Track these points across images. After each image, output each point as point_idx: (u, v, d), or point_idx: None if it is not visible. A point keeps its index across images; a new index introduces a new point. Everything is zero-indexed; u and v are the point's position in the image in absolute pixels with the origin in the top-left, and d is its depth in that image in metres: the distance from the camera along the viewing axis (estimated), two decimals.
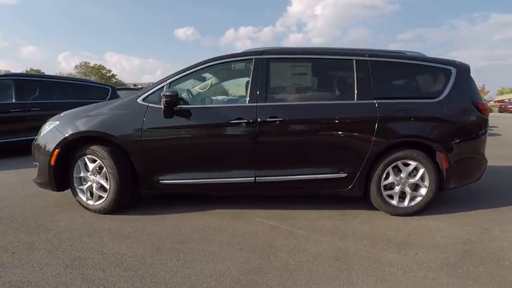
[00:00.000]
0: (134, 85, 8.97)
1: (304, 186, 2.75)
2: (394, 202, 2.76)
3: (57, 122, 2.75)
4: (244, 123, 2.59)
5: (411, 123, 2.69)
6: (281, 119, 2.59)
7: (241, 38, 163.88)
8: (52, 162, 2.67)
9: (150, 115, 2.63)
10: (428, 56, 2.99)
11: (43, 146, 2.74)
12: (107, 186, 2.65)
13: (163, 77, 2.83)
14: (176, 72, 2.78)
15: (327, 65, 2.82)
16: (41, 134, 2.85)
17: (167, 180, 2.68)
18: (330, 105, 2.72)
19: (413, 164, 2.72)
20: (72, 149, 2.71)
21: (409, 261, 2.00)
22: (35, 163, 2.89)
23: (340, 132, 2.66)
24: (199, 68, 2.77)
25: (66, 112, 2.96)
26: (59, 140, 2.64)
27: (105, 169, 2.63)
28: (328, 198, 3.06)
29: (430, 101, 2.77)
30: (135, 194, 2.79)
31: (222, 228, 2.46)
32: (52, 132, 2.72)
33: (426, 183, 2.73)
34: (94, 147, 2.65)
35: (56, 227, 2.44)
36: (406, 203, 2.76)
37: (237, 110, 2.67)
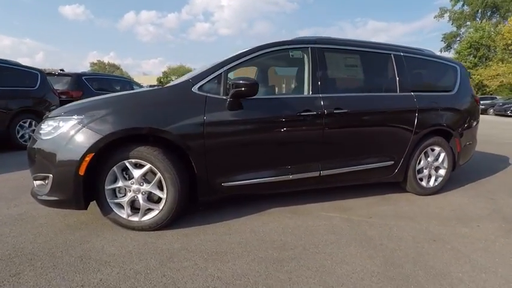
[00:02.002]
0: (62, 70, 7.21)
1: (359, 177, 2.82)
2: (423, 184, 3.12)
3: (81, 117, 2.03)
4: (312, 116, 2.47)
5: (439, 113, 3.06)
6: (345, 111, 2.57)
7: (144, 23, 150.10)
8: (81, 172, 1.97)
9: (211, 107, 2.22)
10: None
11: (60, 152, 1.99)
12: (162, 196, 2.14)
13: (213, 64, 2.42)
14: (229, 59, 2.41)
15: (372, 58, 2.91)
16: (49, 136, 2.06)
17: (231, 182, 2.33)
18: (383, 97, 2.84)
19: (437, 149, 3.12)
20: (104, 152, 2.07)
21: (483, 232, 2.32)
22: (39, 175, 2.08)
23: (391, 123, 2.83)
24: (255, 54, 2.46)
25: (81, 104, 2.22)
26: (94, 140, 1.96)
27: (158, 175, 2.11)
28: (354, 186, 3.16)
29: (448, 94, 3.20)
30: (188, 203, 2.33)
31: (303, 227, 2.31)
32: (75, 131, 2.00)
33: (445, 165, 3.17)
34: (141, 149, 2.08)
35: (109, 256, 1.84)
36: (431, 184, 3.15)
37: (302, 101, 2.51)
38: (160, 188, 2.15)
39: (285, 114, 2.43)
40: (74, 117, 2.06)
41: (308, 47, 2.62)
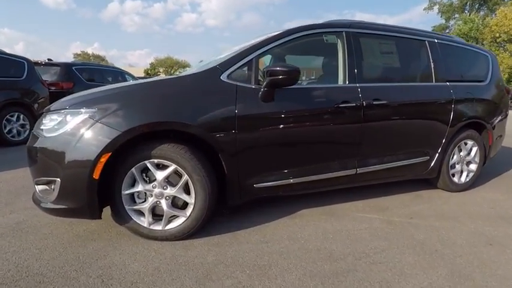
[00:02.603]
0: (49, 59, 6.70)
1: (394, 174, 2.60)
2: (455, 180, 2.94)
3: (92, 110, 1.71)
4: (350, 108, 2.22)
5: (474, 105, 2.86)
6: (384, 102, 2.34)
7: (128, 13, 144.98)
8: (96, 175, 1.66)
9: (242, 98, 1.93)
10: None
11: (69, 152, 1.66)
12: (190, 201, 1.85)
13: (241, 49, 2.12)
14: (259, 44, 2.11)
15: (407, 45, 2.67)
16: (53, 133, 1.73)
17: (264, 183, 2.07)
18: (420, 87, 2.62)
19: (470, 143, 2.94)
20: (120, 152, 1.76)
21: None
22: (42, 179, 1.76)
23: (428, 115, 2.61)
24: (287, 38, 2.17)
25: (88, 96, 1.88)
26: (110, 138, 1.65)
27: (185, 177, 1.82)
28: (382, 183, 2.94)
29: (481, 84, 3.01)
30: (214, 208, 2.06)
31: (345, 232, 2.08)
32: (86, 127, 1.67)
33: (477, 159, 3.00)
34: (165, 147, 1.78)
35: (134, 275, 1.56)
36: (463, 180, 2.98)
37: (340, 92, 2.25)
38: (187, 192, 1.87)
39: (322, 106, 2.17)
40: (82, 110, 1.73)
41: (342, 31, 2.35)
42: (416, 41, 2.69)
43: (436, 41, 2.78)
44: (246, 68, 2.02)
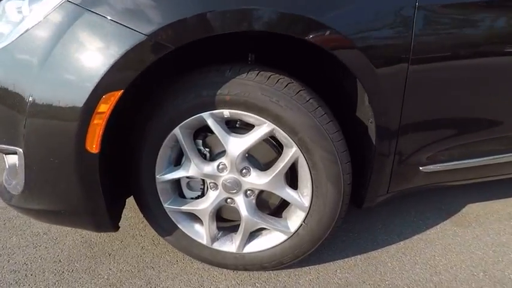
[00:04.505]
0: None
1: None
2: None
3: None
4: None
5: None
6: None
7: None
8: (92, 146, 0.70)
9: None
10: None
11: (32, 85, 0.69)
12: (302, 203, 0.83)
13: None
14: None
15: None
16: (4, 40, 0.76)
17: (439, 164, 0.97)
18: None
19: None
20: (145, 90, 0.77)
21: None
22: (4, 147, 0.85)
23: None
24: None
25: None
26: (119, 53, 0.64)
27: (293, 150, 0.79)
28: None
29: None
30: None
31: None
32: (62, 23, 0.67)
33: None
34: (249, 81, 0.74)
35: None
36: None
37: None
38: (292, 184, 0.86)
39: None
40: None
41: None
42: None
43: None
44: None
